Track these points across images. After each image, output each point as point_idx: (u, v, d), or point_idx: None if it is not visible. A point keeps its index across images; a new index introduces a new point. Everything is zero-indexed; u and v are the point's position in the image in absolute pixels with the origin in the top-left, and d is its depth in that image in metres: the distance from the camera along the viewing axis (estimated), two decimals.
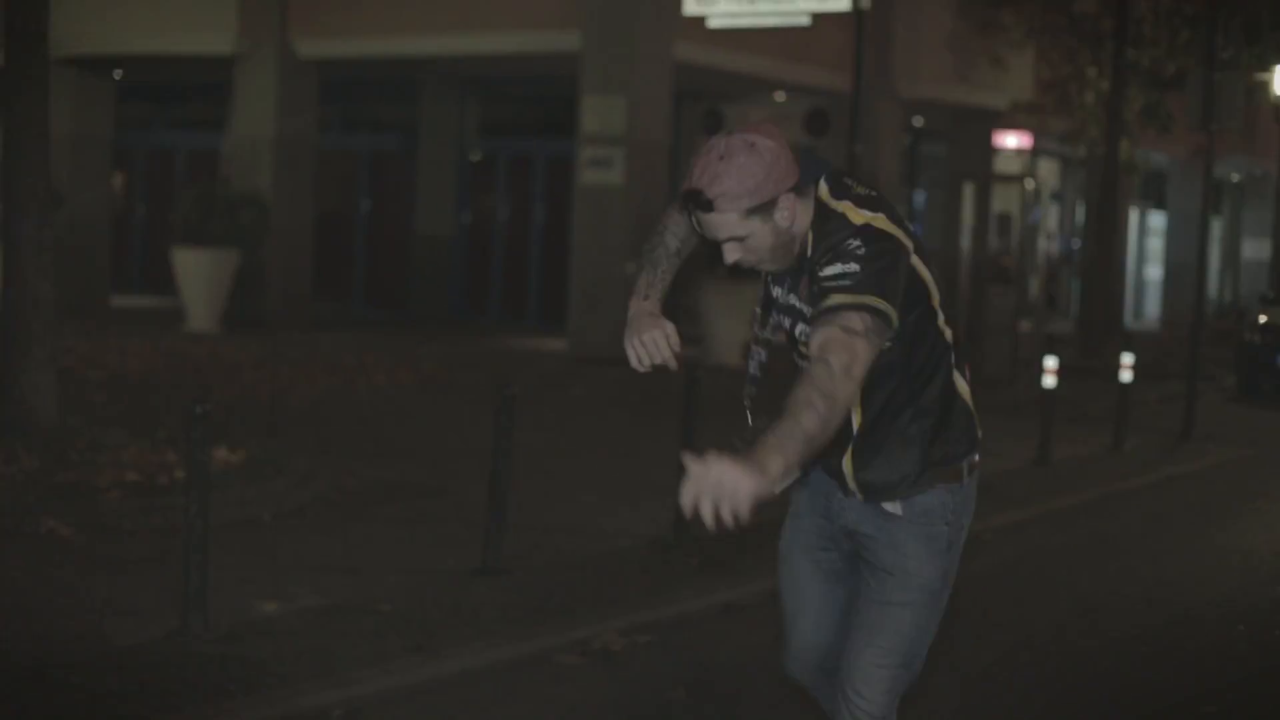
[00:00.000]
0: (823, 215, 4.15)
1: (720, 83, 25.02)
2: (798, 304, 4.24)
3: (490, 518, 8.81)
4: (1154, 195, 38.30)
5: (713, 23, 21.41)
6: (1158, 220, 38.96)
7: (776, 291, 4.36)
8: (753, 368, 4.48)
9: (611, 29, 21.13)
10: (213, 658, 6.94)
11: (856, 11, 11.95)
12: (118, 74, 26.11)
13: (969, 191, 27.82)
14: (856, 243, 4.03)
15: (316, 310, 24.46)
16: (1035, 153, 30.89)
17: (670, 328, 4.36)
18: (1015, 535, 11.26)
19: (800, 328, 4.23)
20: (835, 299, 3.94)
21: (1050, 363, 14.25)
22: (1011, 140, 29.25)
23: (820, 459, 4.26)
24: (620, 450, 13.79)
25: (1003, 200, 22.55)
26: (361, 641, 7.40)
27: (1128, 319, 34.12)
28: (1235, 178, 41.16)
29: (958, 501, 4.36)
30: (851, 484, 4.33)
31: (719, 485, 3.59)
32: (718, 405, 13.50)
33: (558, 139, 24.94)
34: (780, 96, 26.36)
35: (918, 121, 29.31)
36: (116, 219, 27.73)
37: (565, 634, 7.82)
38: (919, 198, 31.53)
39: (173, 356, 18.49)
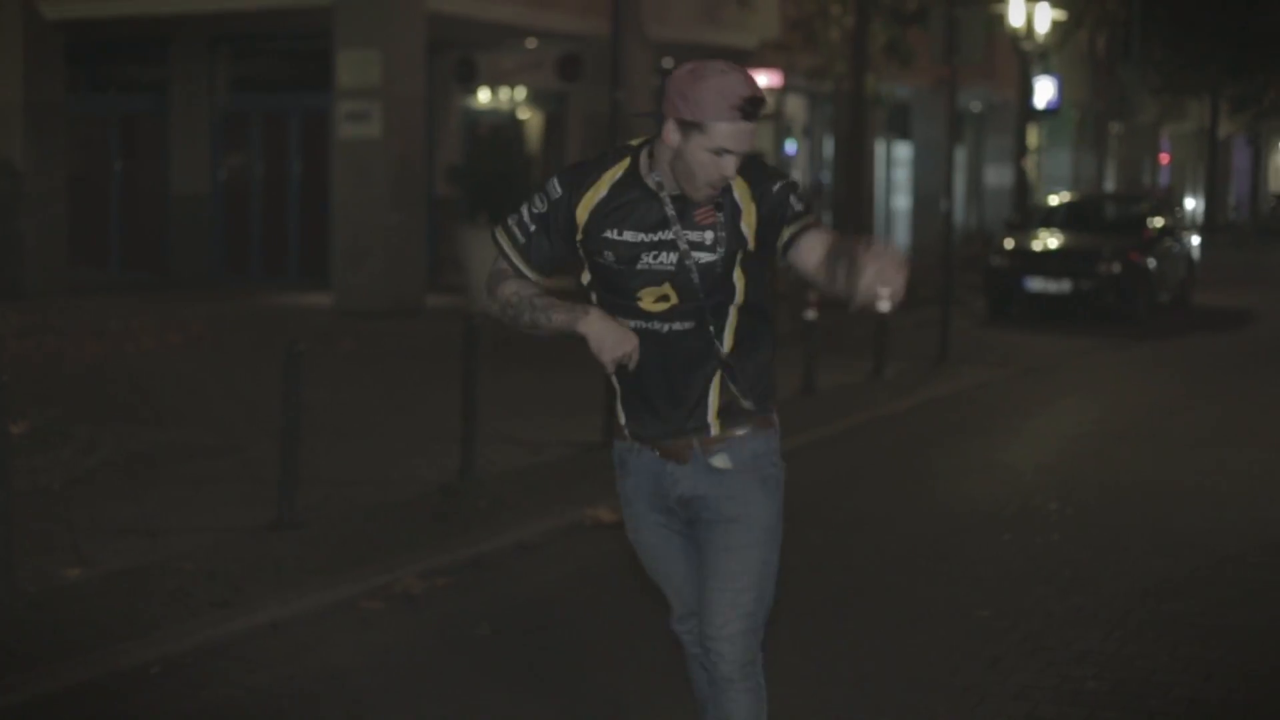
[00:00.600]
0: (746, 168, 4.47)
1: (472, 31, 25.14)
2: (688, 236, 4.40)
3: (283, 472, 8.98)
4: (899, 127, 39.22)
5: None
6: (904, 151, 39.91)
7: (620, 234, 4.45)
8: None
9: None
10: (25, 624, 7.06)
11: None
12: None
13: None
14: (794, 179, 4.50)
15: (74, 276, 24.16)
16: (784, 90, 31.49)
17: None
18: (787, 462, 11.66)
19: (697, 256, 4.40)
20: (809, 218, 4.38)
21: (811, 295, 14.73)
22: (761, 79, 29.77)
23: (666, 423, 4.51)
24: (399, 401, 13.97)
25: (758, 138, 23.03)
26: (169, 600, 7.56)
27: None
28: (977, 107, 42.28)
29: (773, 442, 4.62)
30: (713, 410, 4.50)
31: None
32: (490, 354, 13.78)
33: (312, 93, 24.89)
34: (532, 43, 26.56)
35: (667, 63, 29.68)
36: None
37: (366, 581, 8.05)
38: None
39: None
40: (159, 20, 24.20)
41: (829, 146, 34.95)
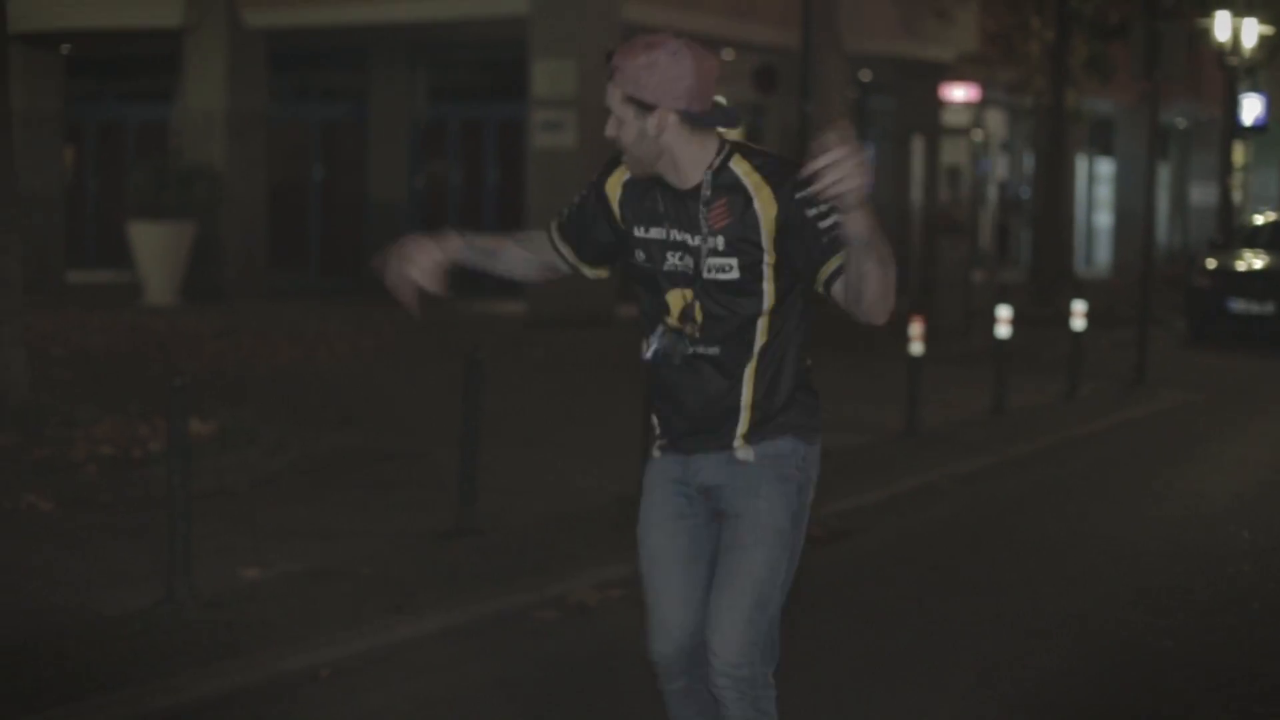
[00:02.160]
0: (742, 148, 4.32)
1: None
2: (701, 241, 4.31)
3: (462, 479, 8.99)
4: (1101, 142, 38.59)
5: None
6: (1106, 167, 39.25)
7: (648, 231, 4.40)
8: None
9: None
10: (200, 624, 7.11)
11: None
12: (65, 48, 26.06)
13: (918, 144, 28.02)
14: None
15: (273, 280, 24.54)
16: (983, 104, 31.12)
17: (429, 264, 4.56)
18: (972, 483, 11.49)
19: (711, 263, 4.30)
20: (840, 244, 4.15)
21: (1003, 312, 14.48)
22: (959, 93, 29.47)
23: (700, 429, 4.43)
24: (584, 411, 13.97)
25: (951, 152, 22.77)
26: (343, 604, 7.58)
27: (1079, 266, 34.41)
28: (1181, 124, 41.49)
29: (809, 453, 4.47)
30: (742, 430, 4.40)
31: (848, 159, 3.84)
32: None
33: (509, 102, 25.04)
34: (728, 54, 26.49)
35: (864, 76, 29.49)
36: (69, 194, 27.73)
37: (540, 590, 8.01)
38: (868, 152, 31.72)
39: (134, 330, 18.59)
40: (359, 29, 24.50)
41: (1029, 161, 34.46)
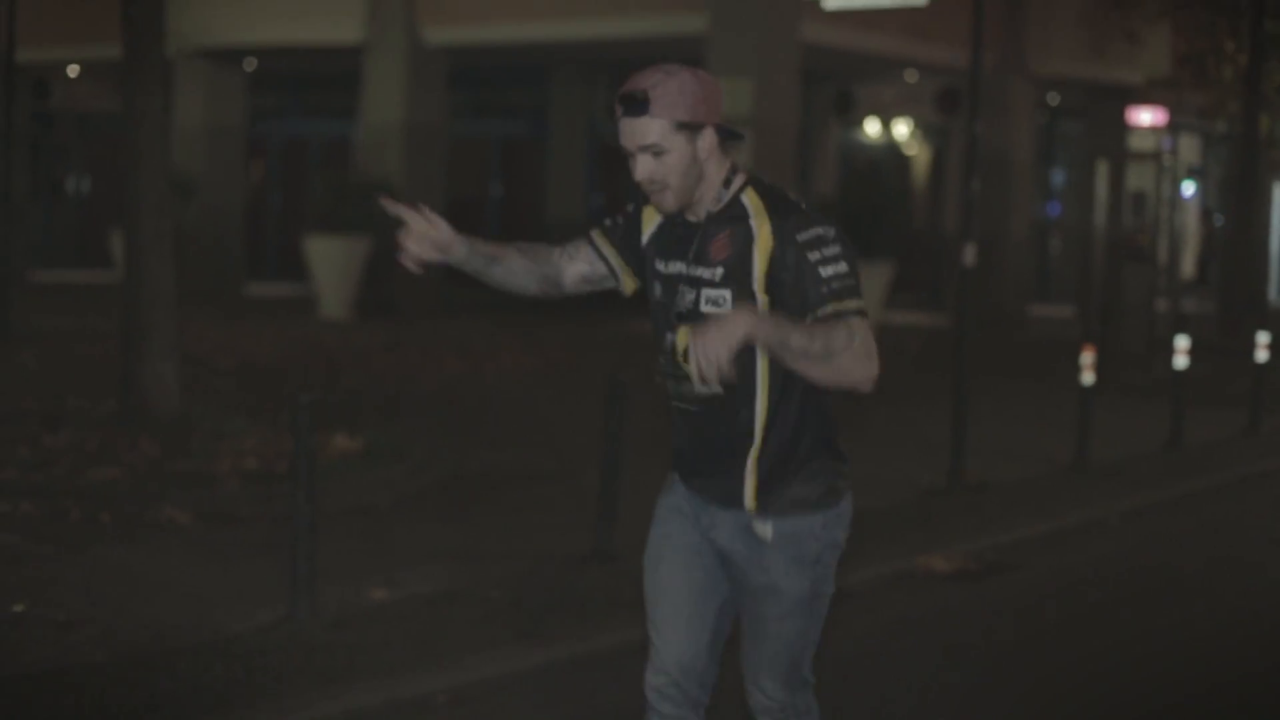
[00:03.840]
0: (756, 179, 4.20)
1: (850, 63, 24.84)
2: (702, 272, 4.18)
3: (602, 502, 8.77)
4: None
5: (828, 4, 21.26)
6: None
7: (668, 266, 4.29)
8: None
9: (737, 11, 21.04)
10: (319, 644, 6.96)
11: None
12: (249, 64, 26.37)
13: (1103, 169, 27.41)
14: (833, 234, 4.07)
15: (450, 296, 24.58)
16: (1173, 128, 30.36)
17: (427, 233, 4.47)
18: (1141, 520, 11.04)
19: (707, 294, 4.17)
20: (848, 304, 4.00)
21: (1182, 342, 13.96)
22: (1146, 116, 28.78)
23: (709, 474, 4.30)
24: None
25: (1138, 177, 22.19)
26: (469, 628, 7.39)
27: (1272, 296, 33.45)
28: None
29: (830, 519, 4.26)
30: (750, 489, 4.22)
31: (711, 330, 3.84)
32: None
33: None
34: (911, 76, 26.15)
35: (1053, 99, 28.93)
36: (252, 208, 28.07)
37: None
38: (1057, 175, 31.14)
39: (303, 343, 18.66)
40: (538, 46, 24.48)
41: (1223, 188, 33.60)
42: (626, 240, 4.45)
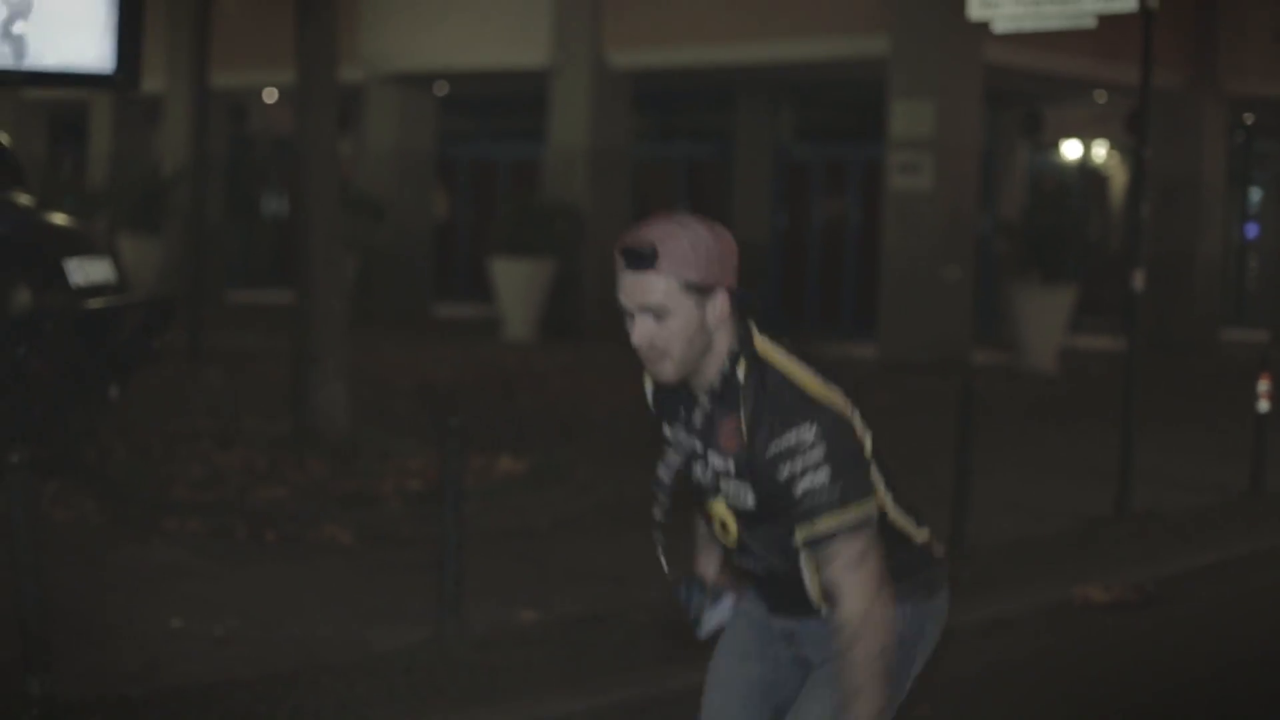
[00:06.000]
0: (756, 364, 3.74)
1: (1037, 84, 24.59)
2: (715, 461, 3.81)
3: None
4: None
5: (998, 28, 21.07)
6: None
7: (676, 434, 3.94)
8: (663, 473, 4.01)
9: (920, 32, 20.95)
10: (464, 664, 7.07)
11: (1144, 11, 11.57)
12: (440, 89, 26.79)
13: None
14: (812, 437, 3.63)
15: None
16: None
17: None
18: (1222, 571, 10.49)
19: (726, 487, 3.81)
20: (823, 524, 3.64)
21: (1261, 387, 13.06)
22: None
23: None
24: (905, 457, 13.60)
25: None
26: (613, 651, 7.46)
27: None
28: None
29: (913, 611, 3.87)
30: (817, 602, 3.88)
31: None
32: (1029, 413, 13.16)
33: (870, 143, 24.82)
34: (1101, 97, 25.82)
35: (1248, 119, 28.39)
36: (442, 230, 28.49)
37: None
38: (1254, 195, 30.54)
39: (484, 365, 18.89)
40: (723, 69, 24.57)
41: None
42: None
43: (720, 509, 3.85)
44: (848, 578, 3.64)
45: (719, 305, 3.68)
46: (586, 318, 23.80)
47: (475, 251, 28.25)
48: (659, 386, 3.94)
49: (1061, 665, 7.91)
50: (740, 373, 3.72)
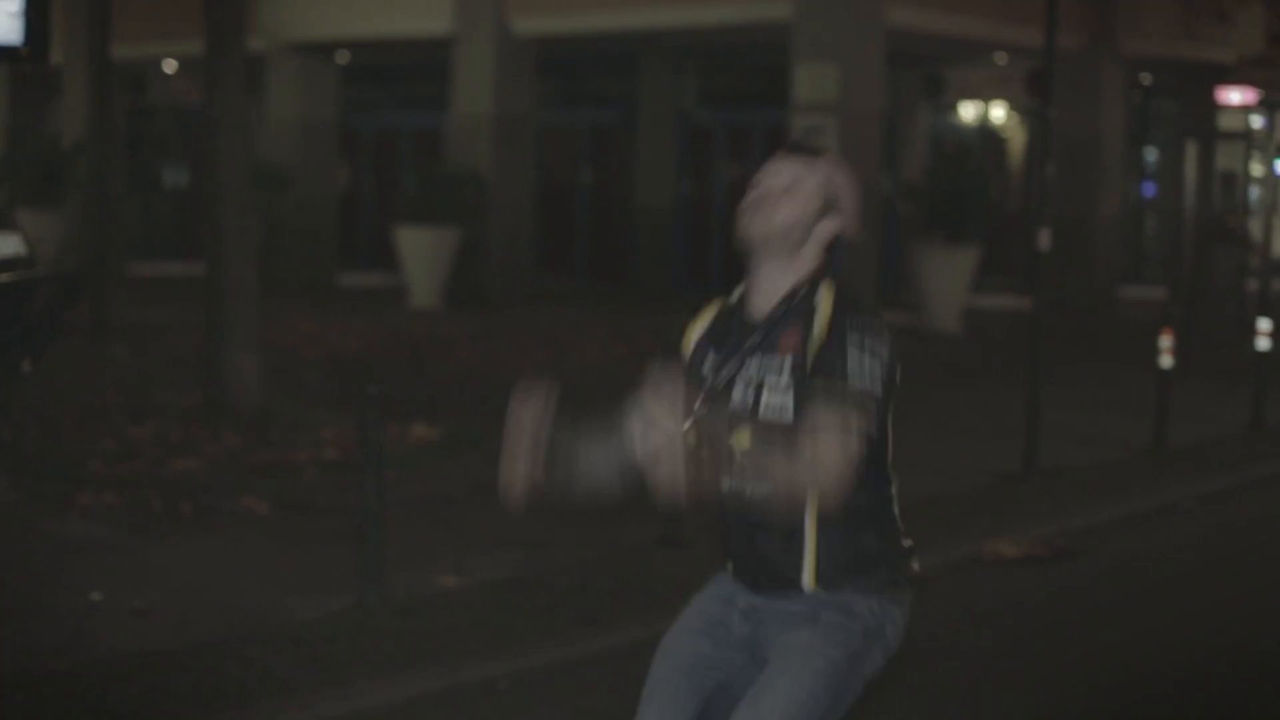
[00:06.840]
0: (848, 290, 3.95)
1: (938, 46, 24.77)
2: (765, 370, 3.94)
3: None
4: None
5: None
6: None
7: (709, 367, 4.08)
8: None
9: None
10: (386, 631, 7.11)
11: None
12: (341, 58, 26.66)
13: (1192, 149, 27.20)
14: (885, 349, 3.83)
15: (540, 285, 24.75)
16: (1268, 106, 30.04)
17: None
18: (1218, 504, 11.02)
19: (769, 400, 3.92)
20: (843, 386, 3.79)
21: (1264, 324, 13.85)
22: (1235, 96, 28.51)
23: (766, 563, 4.01)
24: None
25: (1228, 157, 22.02)
26: (534, 615, 7.53)
27: None
28: None
29: (889, 609, 3.99)
30: (809, 572, 3.94)
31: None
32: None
33: (775, 107, 24.91)
34: (1001, 59, 26.02)
35: (1145, 79, 28.70)
36: (345, 199, 28.36)
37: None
38: (1151, 156, 30.89)
39: (391, 333, 18.86)
40: (626, 34, 24.58)
41: None
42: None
43: (741, 439, 3.85)
44: (832, 432, 3.75)
45: (828, 229, 3.99)
46: (492, 285, 23.79)
47: (379, 220, 28.15)
48: (720, 313, 4.12)
49: (973, 620, 8.03)
50: (821, 291, 3.92)
